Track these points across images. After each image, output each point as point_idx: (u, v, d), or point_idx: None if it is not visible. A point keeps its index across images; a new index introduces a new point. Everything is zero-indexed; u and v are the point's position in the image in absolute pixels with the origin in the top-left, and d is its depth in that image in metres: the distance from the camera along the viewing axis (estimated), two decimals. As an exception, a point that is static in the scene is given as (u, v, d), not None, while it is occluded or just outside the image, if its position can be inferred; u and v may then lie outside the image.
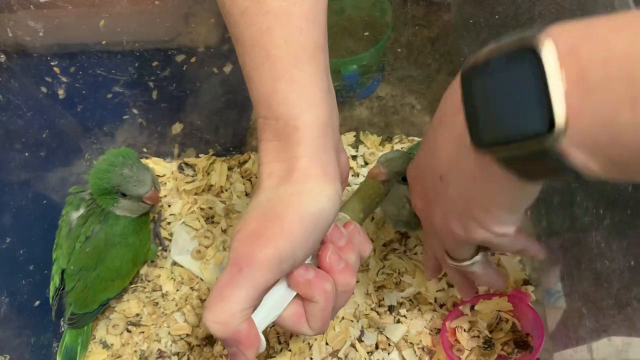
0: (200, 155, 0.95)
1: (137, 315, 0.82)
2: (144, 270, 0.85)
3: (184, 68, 0.93)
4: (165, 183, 0.93)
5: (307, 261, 0.46)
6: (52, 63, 0.76)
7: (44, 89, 0.78)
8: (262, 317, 0.44)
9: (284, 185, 0.42)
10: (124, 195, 0.72)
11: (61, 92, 0.80)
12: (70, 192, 0.77)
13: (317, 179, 0.42)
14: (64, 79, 0.79)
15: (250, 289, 0.39)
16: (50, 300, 0.75)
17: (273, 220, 0.40)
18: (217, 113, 0.97)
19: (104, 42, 0.74)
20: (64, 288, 0.74)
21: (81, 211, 0.74)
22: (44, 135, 0.79)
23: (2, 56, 0.71)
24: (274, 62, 0.43)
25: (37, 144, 0.77)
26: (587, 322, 0.60)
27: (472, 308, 0.74)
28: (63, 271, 0.74)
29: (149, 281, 0.84)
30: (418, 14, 1.03)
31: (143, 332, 0.81)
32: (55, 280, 0.74)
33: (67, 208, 0.76)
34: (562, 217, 0.66)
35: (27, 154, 0.75)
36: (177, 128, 0.94)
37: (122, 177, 0.70)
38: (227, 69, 0.98)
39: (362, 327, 0.76)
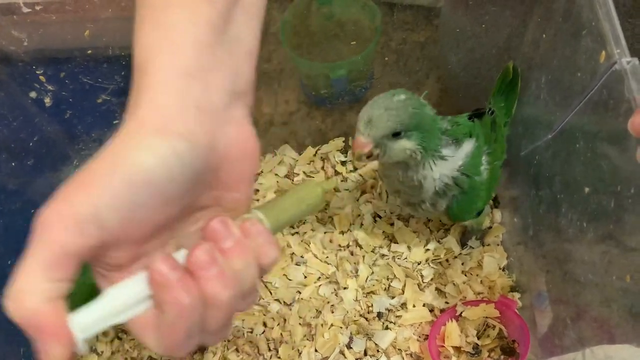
0: (189, 160, 0.95)
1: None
2: (133, 277, 0.85)
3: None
4: (155, 189, 0.92)
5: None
6: (37, 72, 0.76)
7: (30, 98, 0.78)
8: (100, 315, 0.34)
9: (115, 138, 0.35)
10: None
11: (48, 100, 0.80)
12: None
13: (150, 131, 0.34)
14: (50, 87, 0.78)
15: (45, 254, 0.32)
16: None
17: (82, 175, 0.33)
18: (206, 117, 0.97)
19: (89, 52, 0.73)
20: None
21: None
22: (30, 144, 0.79)
23: (-13, 66, 0.71)
24: (144, 7, 0.37)
25: (24, 152, 0.77)
26: (572, 333, 0.61)
27: (459, 315, 0.74)
28: None
29: (138, 288, 0.84)
30: (407, 19, 1.03)
31: (133, 339, 0.81)
32: None
33: None
34: (548, 227, 0.66)
35: (13, 163, 0.75)
36: (166, 132, 0.94)
37: None
38: (217, 72, 0.97)
39: (351, 333, 0.77)
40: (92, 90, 0.80)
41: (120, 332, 0.81)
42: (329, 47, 0.97)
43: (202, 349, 0.79)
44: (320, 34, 0.96)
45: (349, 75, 0.89)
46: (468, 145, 0.65)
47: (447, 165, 0.64)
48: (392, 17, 1.04)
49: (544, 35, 0.64)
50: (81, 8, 0.67)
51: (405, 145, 0.59)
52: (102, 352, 0.80)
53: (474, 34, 0.75)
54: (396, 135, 0.58)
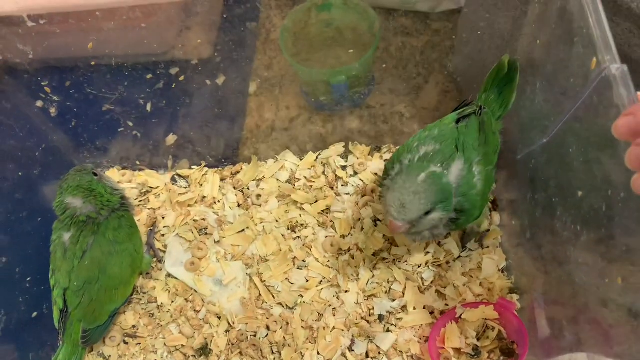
0: (193, 166, 0.96)
1: (134, 326, 0.83)
2: (139, 282, 0.86)
3: (178, 80, 0.95)
4: (159, 195, 0.94)
5: None
6: (42, 83, 0.78)
7: (36, 108, 0.80)
8: None
9: None
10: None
11: (53, 111, 0.82)
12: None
13: None
14: (55, 98, 0.80)
15: None
16: (56, 324, 0.76)
17: None
18: (209, 124, 0.98)
19: (93, 63, 0.75)
20: (67, 310, 0.75)
21: (72, 231, 0.76)
22: (37, 154, 0.81)
23: (-7, 79, 0.72)
24: None
25: (30, 162, 0.79)
26: (567, 334, 0.62)
27: (459, 317, 0.75)
28: (65, 292, 0.75)
29: (144, 293, 0.86)
30: (406, 24, 1.04)
31: (139, 343, 0.82)
32: (58, 303, 0.76)
33: (56, 232, 0.77)
34: (544, 230, 0.67)
35: (20, 173, 0.77)
36: (171, 140, 0.96)
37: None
38: (220, 80, 0.99)
39: (352, 336, 0.78)
40: (96, 100, 0.82)
41: (126, 337, 0.83)
42: (329, 53, 0.98)
43: (206, 352, 0.80)
44: (320, 40, 0.97)
45: (349, 81, 0.90)
46: (457, 166, 0.66)
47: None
48: (391, 22, 1.05)
49: (537, 41, 0.65)
50: (84, 21, 0.69)
51: (434, 217, 0.64)
52: (109, 356, 0.82)
53: (475, 37, 0.76)
54: (427, 213, 0.63)
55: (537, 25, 0.65)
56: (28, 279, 0.77)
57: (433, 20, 1.05)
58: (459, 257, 0.81)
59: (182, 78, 0.95)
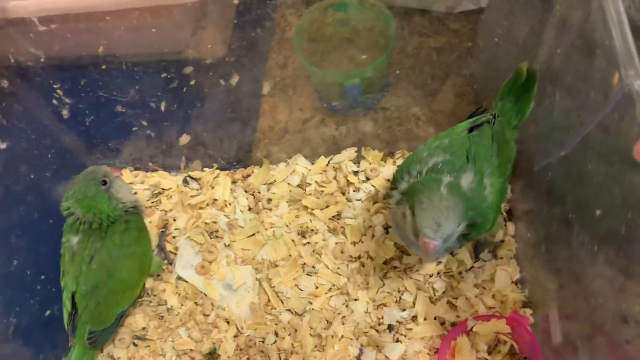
0: (205, 168, 0.96)
1: (144, 329, 0.84)
2: (149, 284, 0.86)
3: (192, 80, 0.94)
4: (171, 196, 0.94)
5: None
6: (54, 85, 0.77)
7: (48, 111, 0.80)
8: None
9: None
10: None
11: (65, 112, 0.82)
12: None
13: None
14: (67, 100, 0.80)
15: None
16: (65, 325, 0.77)
17: None
18: (222, 125, 0.97)
19: (104, 67, 0.75)
20: (76, 312, 0.76)
21: (80, 236, 0.76)
22: (49, 156, 0.81)
23: (5, 82, 0.72)
24: None
25: (42, 165, 0.79)
26: (581, 351, 0.60)
27: (470, 330, 0.74)
28: (73, 295, 0.76)
29: (154, 295, 0.86)
30: (424, 24, 1.02)
31: (149, 346, 0.83)
32: (67, 306, 0.76)
33: (66, 235, 0.77)
34: (560, 245, 0.65)
35: (32, 175, 0.77)
36: (184, 140, 0.95)
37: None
38: (234, 80, 0.98)
39: (361, 345, 0.77)
40: (108, 103, 0.82)
41: (135, 339, 0.83)
42: (343, 54, 0.96)
43: (214, 357, 0.80)
44: (335, 40, 0.95)
45: (363, 83, 0.88)
46: (467, 178, 0.64)
47: None
48: (408, 22, 1.02)
49: (558, 51, 0.62)
50: (95, 25, 0.69)
51: (461, 229, 0.62)
52: (119, 358, 0.82)
53: (493, 45, 0.74)
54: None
55: (558, 35, 0.62)
56: (40, 280, 0.78)
57: (451, 20, 1.02)
58: (472, 267, 0.80)
59: (195, 78, 0.94)
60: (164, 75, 0.90)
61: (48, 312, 0.80)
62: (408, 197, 0.62)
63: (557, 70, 0.63)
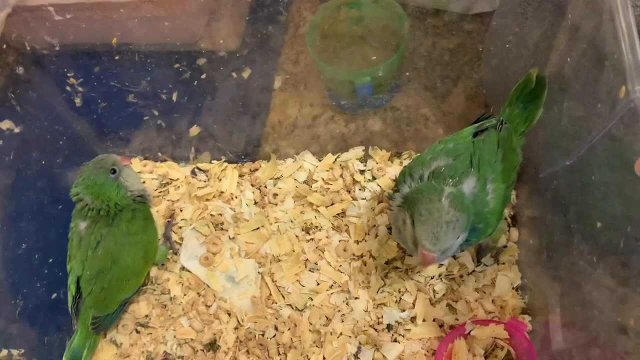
0: (213, 160, 0.96)
1: (146, 316, 0.85)
2: (154, 272, 0.88)
3: (204, 72, 0.95)
4: (179, 187, 0.95)
5: None
6: (68, 74, 0.79)
7: (61, 99, 0.81)
8: None
9: None
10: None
11: (78, 101, 0.83)
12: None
13: None
14: (80, 89, 0.81)
15: None
16: (69, 309, 0.79)
17: None
18: (232, 118, 0.98)
19: (117, 58, 0.76)
20: (80, 296, 0.77)
21: (88, 222, 0.77)
22: (60, 143, 0.82)
23: (21, 69, 0.74)
24: None
25: (53, 151, 0.80)
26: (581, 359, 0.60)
27: (468, 333, 0.74)
28: (78, 280, 0.77)
29: (158, 284, 0.87)
30: (438, 24, 1.01)
31: (151, 333, 0.84)
32: (72, 290, 0.78)
33: (74, 220, 0.79)
34: (561, 254, 0.65)
35: (43, 162, 0.78)
36: (194, 131, 0.96)
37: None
38: (245, 74, 0.99)
39: (359, 343, 0.78)
40: (120, 92, 0.83)
41: (138, 326, 0.85)
42: (356, 51, 0.96)
43: (214, 348, 0.82)
44: (348, 38, 0.95)
45: (374, 82, 0.88)
46: (469, 183, 0.64)
47: None
48: (423, 22, 1.02)
49: (568, 59, 0.62)
50: (109, 16, 0.69)
51: (460, 241, 0.62)
52: (121, 343, 0.84)
53: (503, 50, 0.73)
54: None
55: (569, 42, 0.62)
56: (47, 264, 0.79)
57: (466, 22, 1.02)
58: (473, 271, 0.80)
59: (207, 71, 0.95)
60: (176, 66, 0.91)
61: (54, 295, 0.82)
62: (409, 205, 0.62)
63: (567, 78, 0.63)
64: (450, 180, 0.63)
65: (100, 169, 0.77)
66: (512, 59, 0.73)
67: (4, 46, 0.71)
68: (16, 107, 0.75)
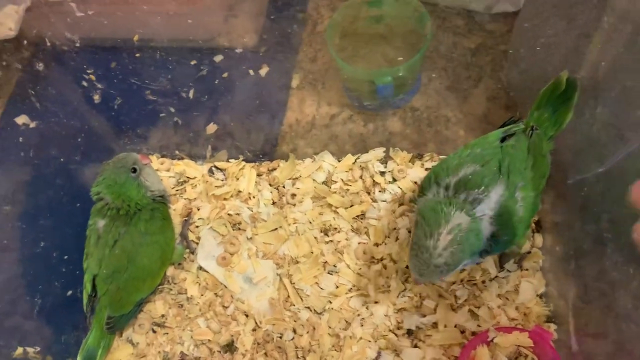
0: (230, 159, 0.95)
1: (163, 316, 0.84)
2: (170, 272, 0.87)
3: (221, 68, 0.93)
4: (196, 185, 0.94)
5: None
6: (88, 70, 0.78)
7: (80, 95, 0.80)
8: None
9: None
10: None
11: (96, 97, 0.82)
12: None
13: None
14: (99, 86, 0.80)
15: None
16: (84, 307, 0.78)
17: None
18: (249, 116, 0.97)
19: (137, 55, 0.74)
20: (96, 295, 0.77)
21: (106, 220, 0.77)
22: (79, 140, 0.81)
23: (41, 64, 0.73)
24: None
25: (72, 148, 0.80)
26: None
27: (491, 340, 0.73)
28: (94, 278, 0.77)
29: (175, 283, 0.87)
30: (459, 23, 1.00)
31: (167, 333, 0.83)
32: (87, 288, 0.77)
33: (93, 218, 0.78)
34: (591, 263, 0.63)
35: (62, 159, 0.77)
36: (211, 129, 0.95)
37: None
38: (263, 71, 0.98)
39: (379, 348, 0.77)
40: (139, 90, 0.82)
41: (155, 326, 0.84)
42: (376, 51, 0.95)
43: (232, 349, 0.81)
44: (368, 36, 0.94)
45: (395, 82, 0.87)
46: (497, 191, 0.62)
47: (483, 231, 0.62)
48: (444, 21, 1.00)
49: (602, 63, 0.60)
50: (131, 14, 0.68)
51: (461, 267, 0.62)
52: (138, 343, 0.83)
53: (532, 52, 0.71)
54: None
55: (605, 47, 0.60)
56: (65, 262, 0.78)
57: (488, 21, 1.00)
58: (496, 277, 0.78)
59: (225, 68, 0.94)
60: (193, 62, 0.90)
61: (69, 293, 0.81)
62: (418, 218, 0.61)
63: (601, 83, 0.61)
64: (476, 191, 0.61)
65: (120, 168, 0.76)
66: (542, 61, 0.71)
67: (24, 42, 0.70)
68: (35, 104, 0.74)
